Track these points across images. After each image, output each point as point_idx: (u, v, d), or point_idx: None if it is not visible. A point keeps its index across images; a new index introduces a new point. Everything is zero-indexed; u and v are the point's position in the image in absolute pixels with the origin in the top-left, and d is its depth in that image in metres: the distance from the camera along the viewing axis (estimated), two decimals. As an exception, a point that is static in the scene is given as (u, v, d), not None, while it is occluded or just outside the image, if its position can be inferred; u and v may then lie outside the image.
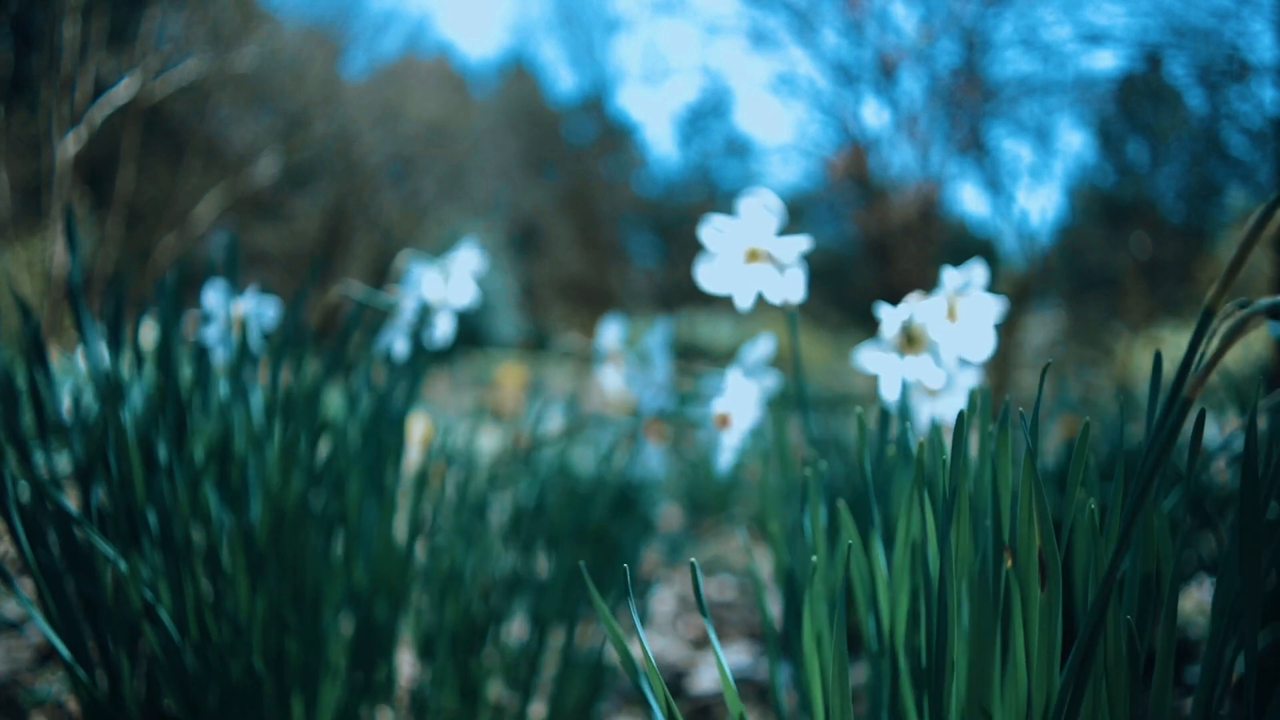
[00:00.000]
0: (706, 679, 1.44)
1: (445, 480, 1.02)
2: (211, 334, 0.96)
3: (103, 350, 0.85)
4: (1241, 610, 0.47)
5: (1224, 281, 0.44)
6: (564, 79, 24.07)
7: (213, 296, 0.97)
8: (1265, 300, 0.43)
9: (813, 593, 0.46)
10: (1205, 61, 6.62)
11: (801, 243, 0.92)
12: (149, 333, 1.16)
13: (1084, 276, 10.01)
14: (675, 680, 1.45)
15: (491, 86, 15.72)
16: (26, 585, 1.15)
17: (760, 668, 1.49)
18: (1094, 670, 0.49)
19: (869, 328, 0.97)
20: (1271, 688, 0.90)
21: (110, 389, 0.80)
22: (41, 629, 0.75)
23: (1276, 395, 0.80)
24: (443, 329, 1.14)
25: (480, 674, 0.95)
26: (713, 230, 0.93)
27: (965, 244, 13.08)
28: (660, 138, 26.91)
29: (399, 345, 1.07)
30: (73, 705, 1.04)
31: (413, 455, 1.81)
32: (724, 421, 1.03)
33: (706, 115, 13.50)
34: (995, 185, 9.52)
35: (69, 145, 6.54)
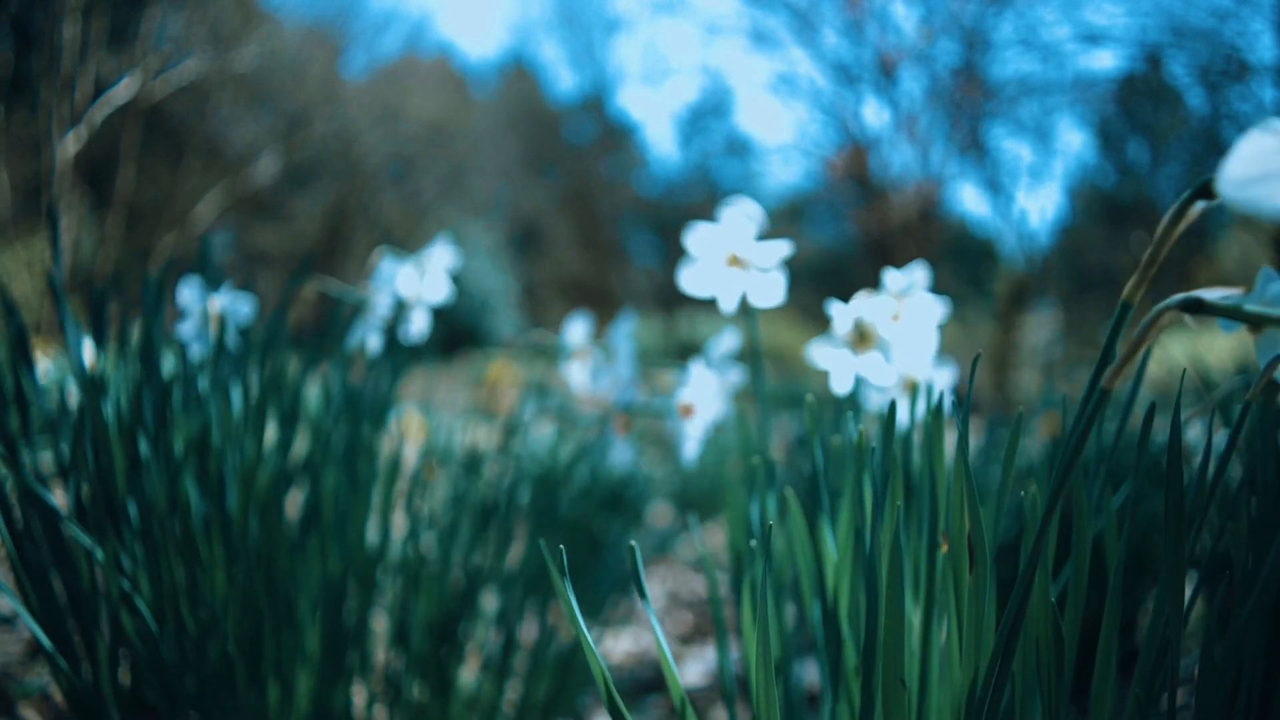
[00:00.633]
0: (691, 673, 1.44)
1: (423, 473, 1.03)
2: (187, 330, 0.98)
3: (86, 347, 0.86)
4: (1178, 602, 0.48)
5: (1142, 274, 0.45)
6: (564, 79, 24.09)
7: (188, 293, 0.99)
8: (1179, 295, 0.44)
9: (751, 576, 0.47)
10: (1205, 61, 6.62)
11: (781, 248, 0.97)
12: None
13: (1084, 276, 10.01)
14: (659, 675, 1.45)
15: (491, 86, 15.74)
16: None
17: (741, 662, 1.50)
18: (1025, 648, 0.50)
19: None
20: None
21: (91, 385, 0.81)
22: (24, 619, 0.75)
23: (1221, 391, 0.80)
24: (418, 325, 1.15)
25: (453, 662, 0.97)
26: (695, 236, 0.97)
27: (966, 244, 13.09)
28: (660, 138, 26.94)
29: (372, 340, 1.09)
30: (59, 697, 1.05)
31: (409, 451, 1.82)
32: (687, 411, 1.07)
33: (707, 115, 13.51)
34: (995, 185, 9.52)
35: (69, 145, 6.56)
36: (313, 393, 1.03)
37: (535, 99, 15.28)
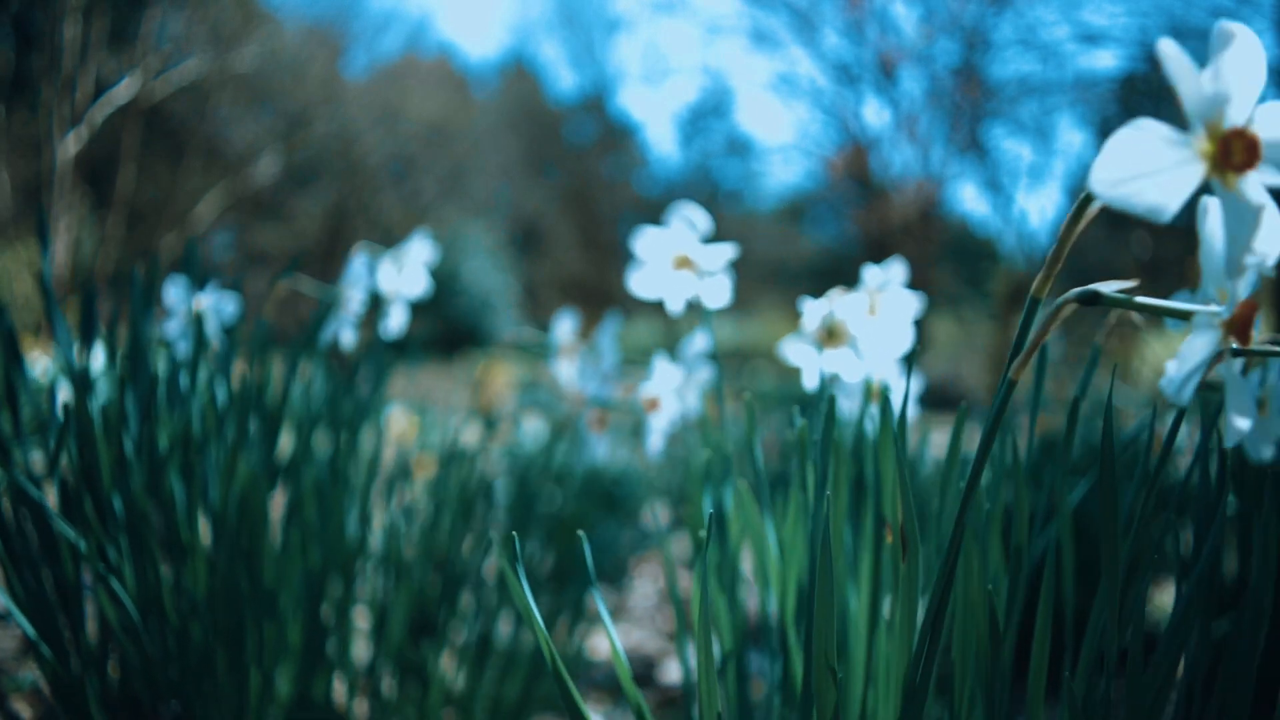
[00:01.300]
0: (675, 670, 1.45)
1: (413, 469, 1.04)
2: (172, 328, 0.99)
3: (75, 346, 0.88)
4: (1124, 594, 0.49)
5: (1048, 270, 0.46)
6: (564, 79, 24.10)
7: (174, 292, 1.01)
8: (1076, 290, 0.45)
9: (702, 566, 0.48)
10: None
11: (726, 251, 1.00)
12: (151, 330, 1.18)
13: (1084, 276, 10.02)
14: (646, 671, 1.46)
15: (492, 86, 15.74)
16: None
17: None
18: (964, 636, 0.51)
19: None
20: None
21: (78, 382, 0.82)
22: (10, 610, 0.76)
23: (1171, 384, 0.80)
24: (396, 320, 1.16)
25: (432, 655, 0.98)
26: (643, 240, 1.00)
27: (966, 243, 13.09)
28: (661, 137, 26.95)
29: (346, 336, 1.10)
30: (49, 690, 1.06)
31: (389, 450, 1.83)
32: (653, 405, 1.09)
33: (707, 115, 13.52)
34: (995, 185, 9.52)
35: (69, 145, 6.57)
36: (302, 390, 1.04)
37: (535, 99, 15.28)
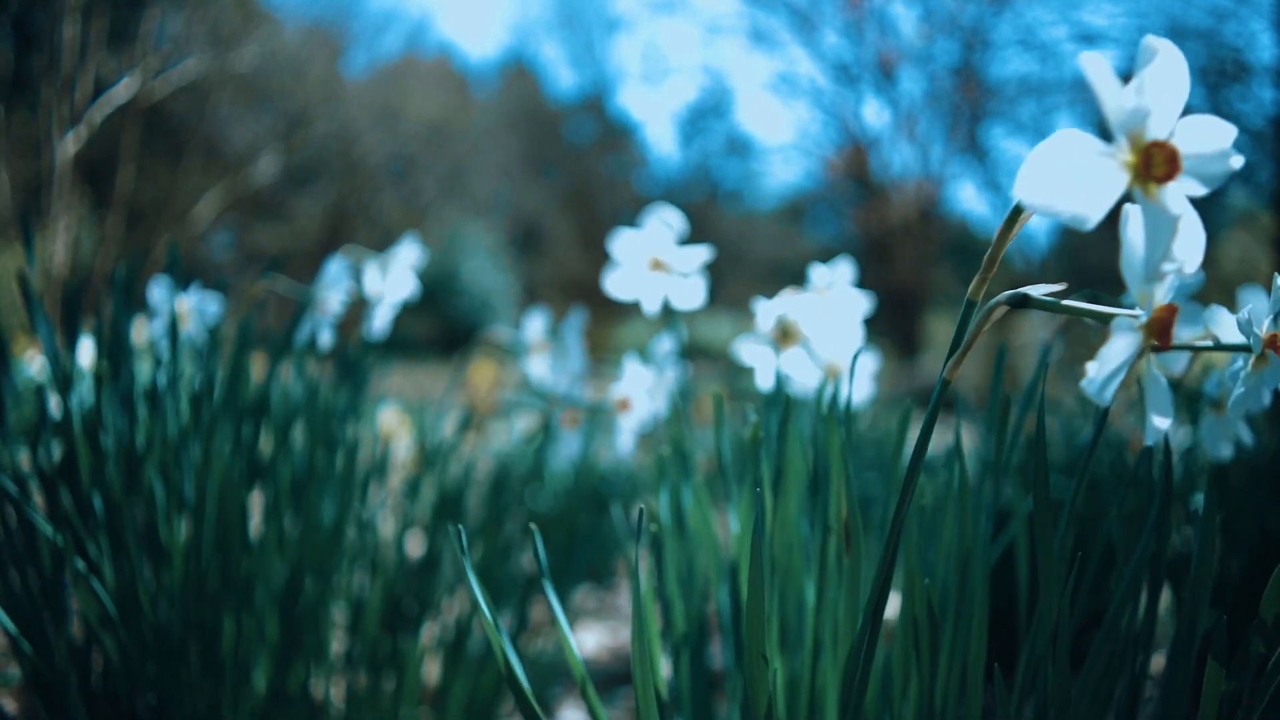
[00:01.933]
0: (665, 668, 1.47)
1: (383, 467, 1.05)
2: (156, 328, 1.01)
3: (59, 346, 0.89)
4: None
5: (983, 273, 0.47)
6: (564, 79, 24.10)
7: (157, 293, 1.03)
8: (1006, 293, 0.46)
9: (636, 560, 0.49)
10: (1205, 62, 6.61)
11: (700, 253, 1.01)
12: (142, 330, 1.19)
13: (1084, 276, 10.01)
14: (629, 671, 1.48)
15: (492, 86, 15.74)
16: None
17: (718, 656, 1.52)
18: (905, 629, 0.53)
19: (869, 325, 1.03)
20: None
21: (60, 381, 0.83)
22: None
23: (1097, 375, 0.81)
24: (380, 322, 1.18)
25: (408, 650, 0.99)
26: (619, 242, 1.02)
27: (966, 243, 13.09)
28: (661, 137, 26.95)
29: (323, 337, 1.11)
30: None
31: (399, 448, 1.83)
32: (624, 406, 1.11)
33: (707, 115, 13.51)
34: (994, 185, 9.52)
35: (69, 145, 6.56)
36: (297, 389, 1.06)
37: (535, 99, 15.28)
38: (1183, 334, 0.69)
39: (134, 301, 0.88)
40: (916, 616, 0.51)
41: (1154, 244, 0.39)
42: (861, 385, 1.11)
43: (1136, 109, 0.39)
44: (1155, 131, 0.40)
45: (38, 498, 0.86)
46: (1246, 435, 0.68)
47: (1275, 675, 0.46)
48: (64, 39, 6.53)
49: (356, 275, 1.18)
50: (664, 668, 0.68)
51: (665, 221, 1.01)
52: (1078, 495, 0.51)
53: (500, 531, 1.06)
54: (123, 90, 7.19)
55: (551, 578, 1.29)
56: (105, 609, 0.79)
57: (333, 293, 1.10)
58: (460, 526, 0.49)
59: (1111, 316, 0.43)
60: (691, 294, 1.01)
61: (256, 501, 0.90)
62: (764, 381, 0.93)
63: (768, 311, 0.94)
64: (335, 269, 1.12)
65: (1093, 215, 0.38)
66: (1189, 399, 1.49)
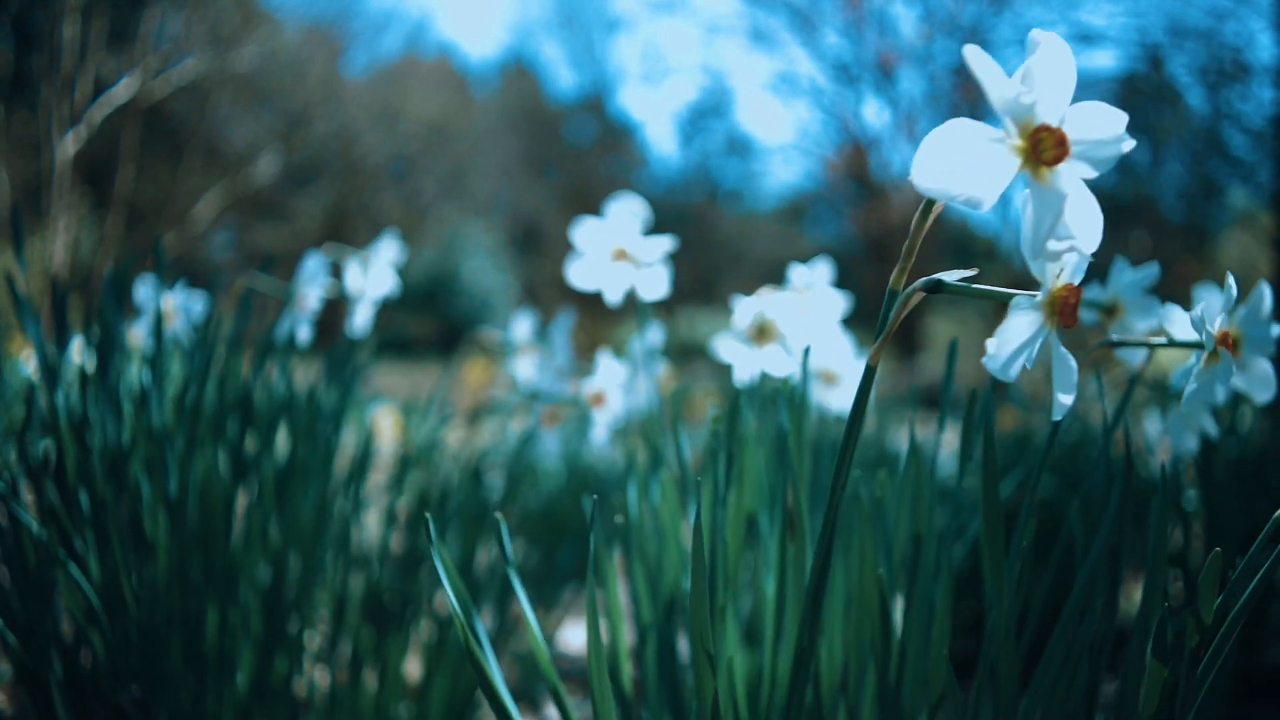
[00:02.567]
0: None
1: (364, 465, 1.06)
2: (141, 327, 1.02)
3: (48, 345, 0.90)
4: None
5: (903, 263, 0.49)
6: (564, 79, 24.10)
7: (143, 291, 1.03)
8: (922, 280, 0.47)
9: (629, 557, 0.50)
10: (1204, 61, 6.60)
11: (664, 243, 1.01)
12: (138, 331, 1.19)
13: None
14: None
15: (492, 86, 15.74)
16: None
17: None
18: (860, 620, 0.54)
19: (868, 325, 1.03)
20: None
21: (47, 379, 0.84)
22: None
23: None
24: (361, 319, 1.18)
25: (390, 646, 0.99)
26: (582, 231, 1.01)
27: (967, 242, 13.09)
28: (661, 137, 26.95)
29: (302, 333, 1.11)
30: None
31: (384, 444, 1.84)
32: (598, 400, 1.12)
33: (707, 114, 13.51)
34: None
35: (69, 145, 6.56)
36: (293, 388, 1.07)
37: (536, 99, 15.28)
38: (1139, 327, 0.71)
39: (123, 301, 0.90)
40: (867, 603, 0.52)
41: (1040, 222, 0.41)
42: (854, 391, 1.10)
43: (1021, 96, 0.40)
44: (1044, 117, 0.41)
45: (27, 495, 0.87)
46: (1211, 428, 0.69)
47: (1211, 667, 0.47)
48: (64, 39, 6.53)
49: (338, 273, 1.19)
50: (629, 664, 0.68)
51: (629, 210, 1.00)
52: (1031, 488, 0.52)
53: (480, 527, 1.06)
54: (122, 90, 7.19)
55: (543, 574, 1.30)
56: (90, 603, 0.79)
57: (310, 289, 1.11)
58: (429, 519, 0.50)
59: (1011, 297, 0.45)
60: (655, 284, 1.01)
61: (244, 499, 0.91)
62: (742, 378, 0.93)
63: (745, 309, 0.95)
64: (312, 265, 1.12)
65: (987, 197, 0.40)
66: (1161, 392, 1.50)
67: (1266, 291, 0.57)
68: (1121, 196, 10.01)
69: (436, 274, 12.06)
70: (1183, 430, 0.66)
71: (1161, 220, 9.28)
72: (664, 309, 14.62)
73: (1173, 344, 0.49)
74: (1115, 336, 0.63)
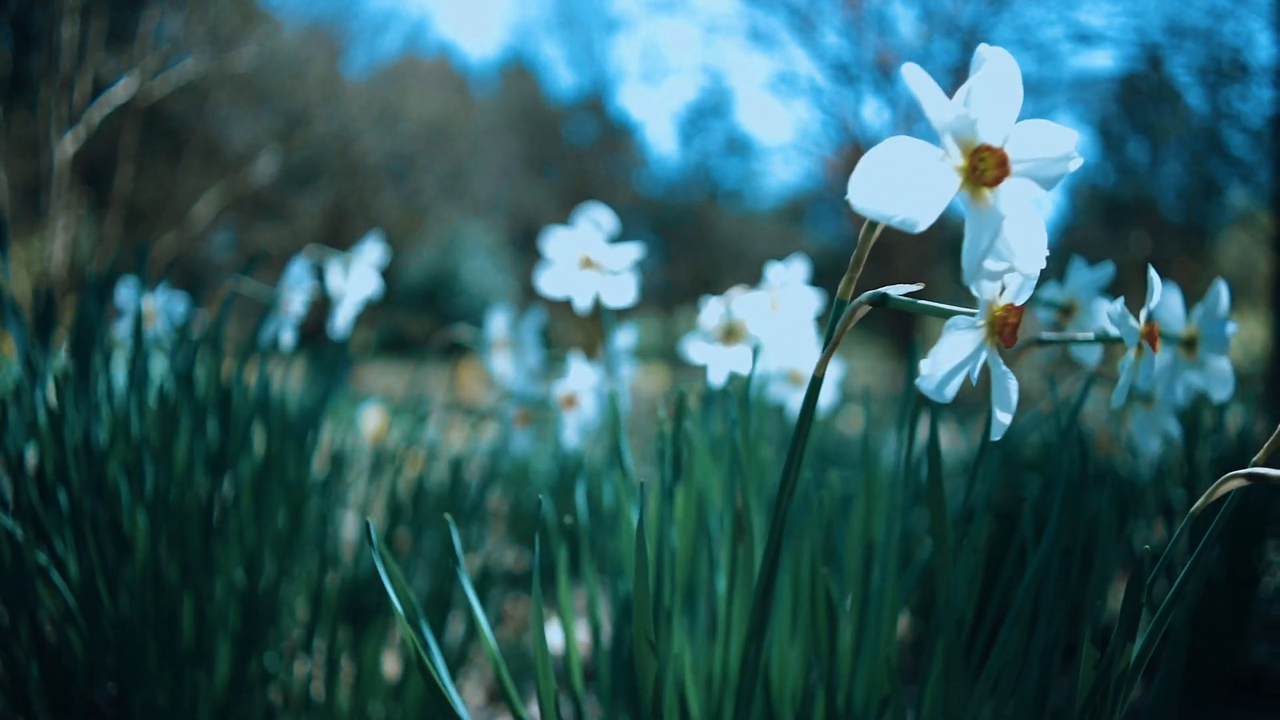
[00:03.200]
0: None
1: (340, 465, 1.06)
2: (123, 328, 1.03)
3: (33, 346, 0.90)
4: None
5: (850, 274, 0.49)
6: (564, 79, 24.10)
7: (124, 293, 1.04)
8: (868, 294, 0.47)
9: (579, 556, 0.50)
10: (1203, 61, 6.60)
11: (631, 251, 1.03)
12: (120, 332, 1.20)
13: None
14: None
15: (492, 86, 15.73)
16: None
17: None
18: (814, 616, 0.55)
19: (868, 325, 1.04)
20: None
21: (27, 380, 0.85)
22: None
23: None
24: (343, 320, 1.19)
25: (368, 645, 0.99)
26: (551, 240, 1.04)
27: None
28: (661, 137, 26.96)
29: (285, 337, 1.12)
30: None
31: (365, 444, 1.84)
32: (569, 403, 1.13)
33: (707, 114, 13.50)
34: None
35: (68, 145, 6.55)
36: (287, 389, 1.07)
37: (535, 99, 15.27)
38: (1096, 327, 0.71)
39: (106, 303, 0.90)
40: (815, 603, 0.53)
41: (976, 243, 0.40)
42: (825, 392, 1.10)
43: (966, 115, 0.40)
44: (986, 136, 0.40)
45: (10, 495, 0.87)
46: (1174, 429, 0.70)
47: (1140, 667, 0.47)
48: (63, 39, 6.53)
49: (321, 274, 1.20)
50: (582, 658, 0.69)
51: (595, 221, 1.03)
52: (972, 490, 0.52)
53: (461, 525, 1.07)
54: (121, 90, 7.18)
55: (537, 573, 1.29)
56: (66, 602, 0.80)
57: (295, 293, 1.11)
58: (369, 523, 0.50)
59: (951, 315, 0.44)
60: (622, 292, 1.03)
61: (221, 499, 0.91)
62: (715, 379, 0.94)
63: (713, 309, 0.96)
64: (297, 270, 1.13)
65: (923, 218, 0.39)
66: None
67: (1223, 291, 0.57)
68: (1121, 196, 10.01)
69: (436, 274, 12.06)
70: (1148, 431, 0.66)
71: (1161, 220, 9.28)
72: (663, 309, 14.62)
73: (1097, 340, 0.49)
74: (1047, 336, 0.63)
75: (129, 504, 0.83)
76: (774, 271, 0.99)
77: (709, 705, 0.55)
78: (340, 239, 11.26)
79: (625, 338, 1.13)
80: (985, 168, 0.40)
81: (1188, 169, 8.89)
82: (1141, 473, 1.27)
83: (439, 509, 1.04)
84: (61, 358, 1.05)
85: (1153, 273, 0.49)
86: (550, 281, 1.04)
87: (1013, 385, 0.44)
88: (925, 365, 0.43)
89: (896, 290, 0.46)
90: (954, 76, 9.55)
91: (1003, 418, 0.44)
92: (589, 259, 1.03)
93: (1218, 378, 0.57)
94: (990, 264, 0.41)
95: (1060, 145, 0.42)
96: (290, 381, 1.05)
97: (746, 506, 0.51)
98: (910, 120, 10.06)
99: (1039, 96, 9.00)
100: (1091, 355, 0.70)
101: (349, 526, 1.11)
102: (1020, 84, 0.41)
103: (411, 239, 12.29)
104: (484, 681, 1.38)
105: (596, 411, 1.11)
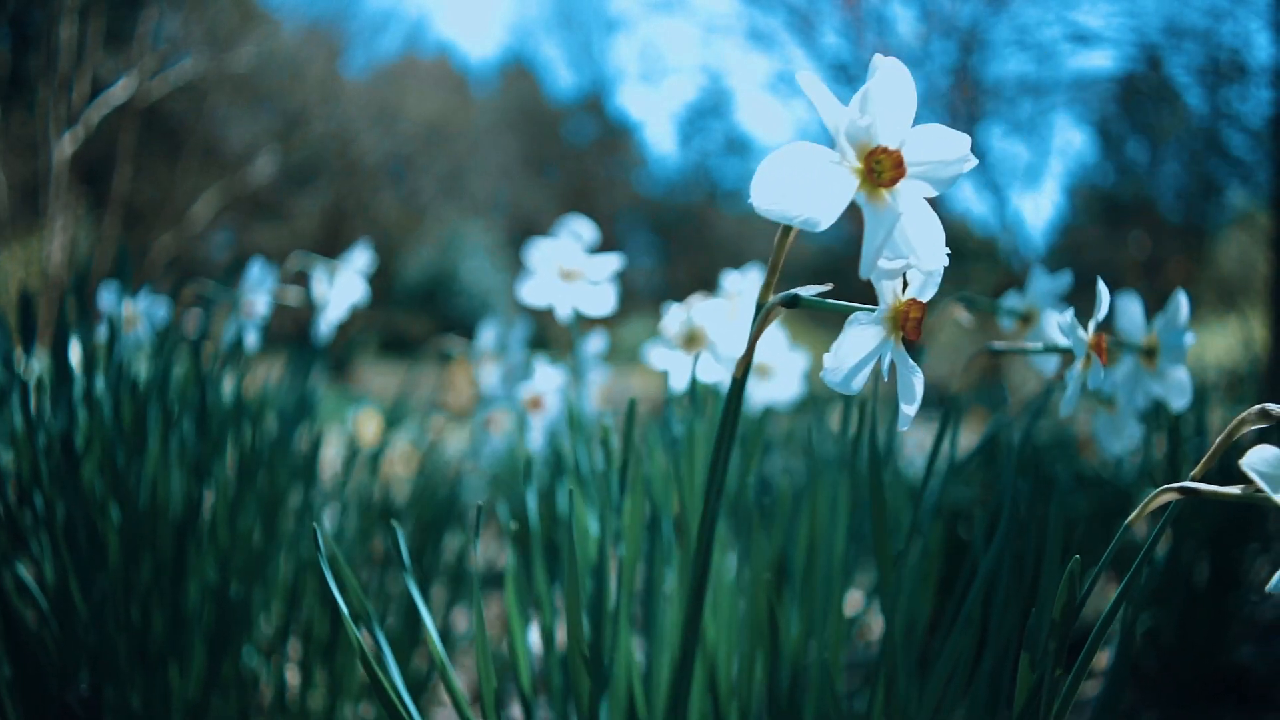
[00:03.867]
0: None
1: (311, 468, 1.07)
2: (103, 332, 1.03)
3: (15, 349, 0.90)
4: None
5: (768, 278, 0.50)
6: (564, 79, 24.11)
7: (106, 297, 1.05)
8: (780, 295, 0.48)
9: (529, 560, 0.51)
10: (1202, 62, 6.59)
11: (611, 262, 1.05)
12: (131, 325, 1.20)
13: (1084, 275, 9.96)
14: None
15: (491, 86, 15.74)
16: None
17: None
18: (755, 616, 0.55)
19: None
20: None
21: (6, 383, 0.86)
22: None
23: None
24: (326, 325, 1.20)
25: (340, 645, 1.00)
26: (533, 251, 1.07)
27: (967, 242, 13.07)
28: (660, 137, 26.97)
29: (250, 339, 1.13)
30: None
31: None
32: (535, 404, 1.16)
33: (706, 114, 13.50)
34: (992, 185, 9.50)
35: (66, 145, 6.56)
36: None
37: (535, 99, 15.28)
38: (1056, 336, 0.71)
39: (88, 306, 0.91)
40: (756, 603, 0.53)
41: (871, 241, 0.42)
42: (789, 384, 1.10)
43: (862, 119, 0.41)
44: (883, 139, 0.42)
45: None
46: (1137, 433, 0.70)
47: (1080, 673, 0.47)
48: (61, 39, 6.53)
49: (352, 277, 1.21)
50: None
51: (575, 232, 1.05)
52: (922, 495, 0.52)
53: (431, 530, 1.07)
54: (120, 90, 7.19)
55: (477, 582, 1.30)
56: (40, 604, 0.81)
57: (257, 295, 1.12)
58: (316, 527, 0.50)
59: (853, 312, 0.46)
60: (601, 301, 1.05)
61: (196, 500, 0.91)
62: (676, 384, 0.96)
63: (673, 316, 0.98)
64: (256, 272, 1.14)
65: (824, 218, 0.40)
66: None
67: (1183, 301, 0.57)
68: (1120, 196, 10.00)
69: (435, 274, 12.06)
70: (1111, 434, 0.67)
71: (1160, 220, 9.25)
72: (658, 309, 14.60)
73: (1047, 350, 0.50)
74: (997, 345, 0.64)
75: (100, 505, 0.83)
76: (731, 280, 1.02)
77: (654, 704, 0.55)
78: (339, 239, 11.26)
79: (596, 343, 1.14)
80: (882, 169, 0.42)
81: (1187, 169, 8.88)
82: (1125, 476, 1.27)
83: (417, 511, 1.04)
84: (41, 361, 1.05)
85: (1101, 285, 0.50)
86: (531, 291, 1.06)
87: (918, 380, 0.45)
88: (828, 359, 0.44)
89: (807, 291, 0.48)
90: (953, 77, 9.54)
91: (907, 409, 0.45)
92: (569, 269, 1.06)
93: (1176, 387, 0.57)
94: (886, 262, 0.42)
95: (955, 149, 0.43)
96: (271, 384, 1.05)
97: (684, 509, 0.51)
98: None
99: (1038, 97, 8.99)
100: (1049, 364, 0.70)
101: (328, 525, 1.11)
102: (914, 90, 0.42)
103: (410, 239, 12.29)
104: (469, 682, 1.38)
105: (561, 413, 1.12)
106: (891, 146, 0.42)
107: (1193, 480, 0.46)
